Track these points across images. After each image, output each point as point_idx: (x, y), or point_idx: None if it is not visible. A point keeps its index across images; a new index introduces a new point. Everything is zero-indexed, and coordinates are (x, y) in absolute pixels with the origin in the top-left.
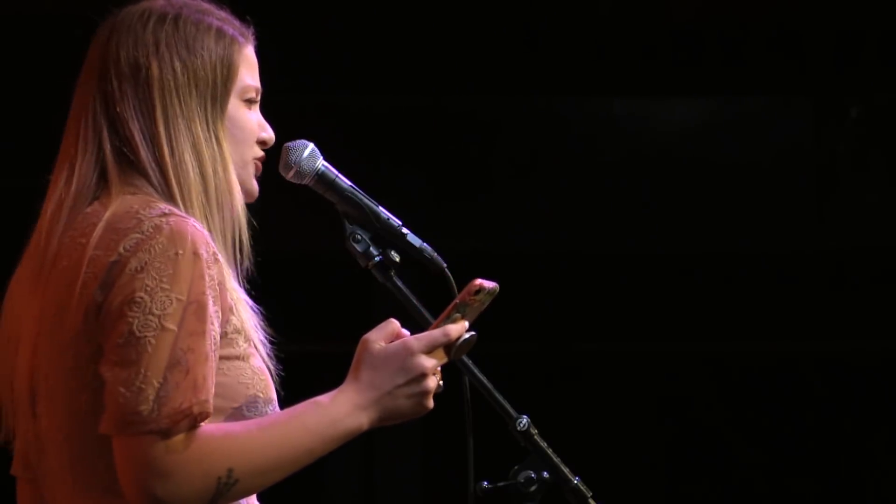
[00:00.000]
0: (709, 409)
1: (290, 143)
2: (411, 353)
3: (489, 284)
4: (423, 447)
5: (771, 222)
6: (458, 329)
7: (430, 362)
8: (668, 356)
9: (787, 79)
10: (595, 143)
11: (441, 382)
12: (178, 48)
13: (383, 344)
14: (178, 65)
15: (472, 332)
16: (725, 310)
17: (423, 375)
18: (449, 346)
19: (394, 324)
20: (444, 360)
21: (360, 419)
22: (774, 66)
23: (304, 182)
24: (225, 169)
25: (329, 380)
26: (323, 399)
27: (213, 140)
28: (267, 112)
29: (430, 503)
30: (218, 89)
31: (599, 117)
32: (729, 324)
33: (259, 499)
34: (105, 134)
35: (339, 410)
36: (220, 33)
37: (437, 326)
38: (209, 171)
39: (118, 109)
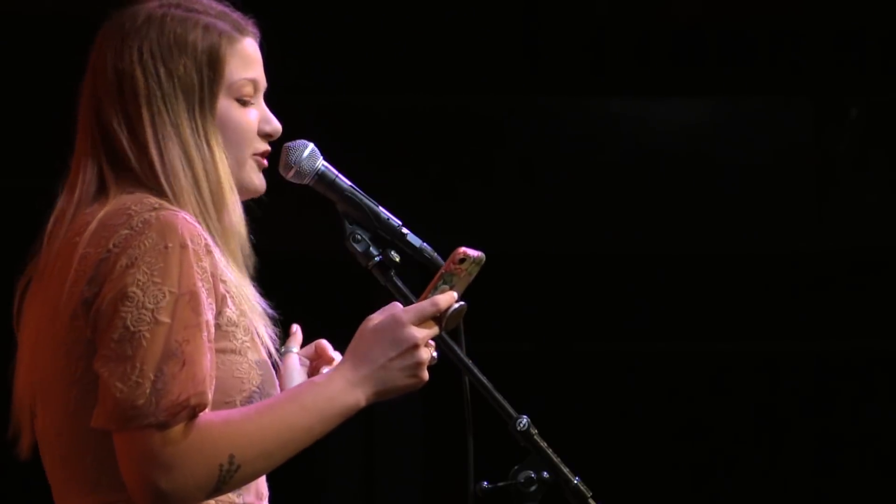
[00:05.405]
0: (709, 408)
1: (289, 143)
2: (401, 324)
3: (474, 253)
4: (423, 447)
5: (771, 222)
6: (447, 299)
7: (420, 333)
8: (668, 356)
9: (787, 79)
10: (594, 143)
11: (435, 354)
12: (163, 53)
13: (377, 320)
14: (162, 71)
15: (462, 302)
16: (725, 310)
17: (414, 346)
18: (439, 317)
19: (397, 306)
20: (436, 330)
21: (357, 394)
22: (774, 66)
23: (304, 182)
24: (217, 172)
25: None
26: (319, 378)
27: (204, 144)
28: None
29: (430, 503)
30: (205, 92)
31: (598, 117)
32: (729, 324)
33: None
34: (99, 144)
35: (334, 387)
36: (207, 30)
37: (424, 297)
38: (200, 175)
39: (107, 120)
